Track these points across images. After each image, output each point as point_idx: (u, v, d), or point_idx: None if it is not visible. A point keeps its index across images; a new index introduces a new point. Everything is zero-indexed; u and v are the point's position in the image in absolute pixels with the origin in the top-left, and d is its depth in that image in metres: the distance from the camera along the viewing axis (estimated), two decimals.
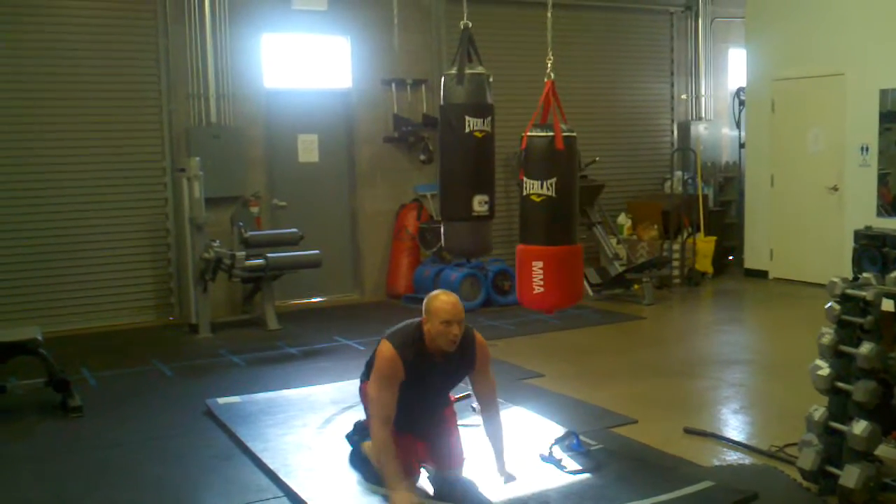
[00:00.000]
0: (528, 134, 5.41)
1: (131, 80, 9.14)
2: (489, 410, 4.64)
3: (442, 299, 4.30)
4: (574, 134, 5.46)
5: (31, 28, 8.68)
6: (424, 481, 4.60)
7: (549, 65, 5.54)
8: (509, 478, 4.58)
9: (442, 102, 6.03)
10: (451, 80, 5.86)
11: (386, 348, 4.31)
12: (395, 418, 4.34)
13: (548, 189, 5.33)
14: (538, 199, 5.38)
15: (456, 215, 6.06)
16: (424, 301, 4.37)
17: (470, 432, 5.31)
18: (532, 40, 10.89)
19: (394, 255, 10.38)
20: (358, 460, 4.83)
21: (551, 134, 5.34)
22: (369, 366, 4.56)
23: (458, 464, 4.63)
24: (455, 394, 5.06)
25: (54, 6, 8.78)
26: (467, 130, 5.81)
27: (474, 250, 6.60)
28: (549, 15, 5.79)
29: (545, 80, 5.50)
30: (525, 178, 5.44)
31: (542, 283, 5.37)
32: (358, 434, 4.95)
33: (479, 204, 5.90)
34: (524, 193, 5.46)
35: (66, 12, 8.85)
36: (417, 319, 4.39)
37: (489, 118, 5.88)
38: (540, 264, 5.38)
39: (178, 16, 9.22)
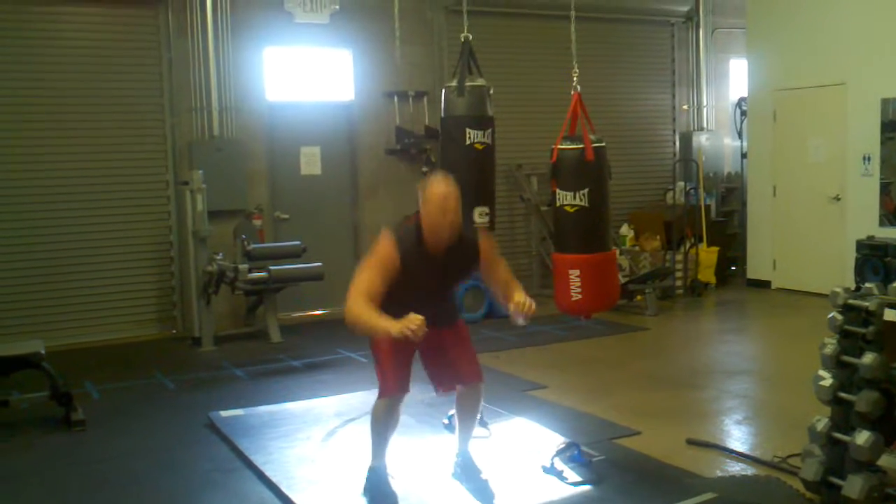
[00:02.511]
0: (559, 146, 5.47)
1: (134, 94, 9.18)
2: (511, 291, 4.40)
3: (436, 187, 4.25)
4: (603, 144, 5.51)
5: (33, 42, 8.73)
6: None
7: (574, 77, 5.58)
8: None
9: (442, 115, 6.05)
10: (452, 93, 5.88)
11: (384, 236, 4.28)
12: (398, 305, 4.14)
13: (580, 199, 5.40)
14: (572, 210, 5.44)
15: None
16: (420, 190, 4.32)
17: (473, 444, 5.31)
18: (533, 52, 10.95)
19: None
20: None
21: (581, 145, 5.39)
22: None
23: (467, 380, 4.58)
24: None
25: (57, 21, 8.84)
26: (468, 143, 5.83)
27: None
28: (572, 29, 5.83)
29: (572, 92, 5.54)
30: (558, 190, 5.50)
31: (579, 290, 5.43)
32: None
33: (479, 216, 5.91)
34: (557, 204, 5.53)
35: (68, 27, 8.90)
36: (415, 214, 4.35)
37: (489, 130, 5.90)
38: (576, 272, 5.45)
39: (181, 29, 9.26)
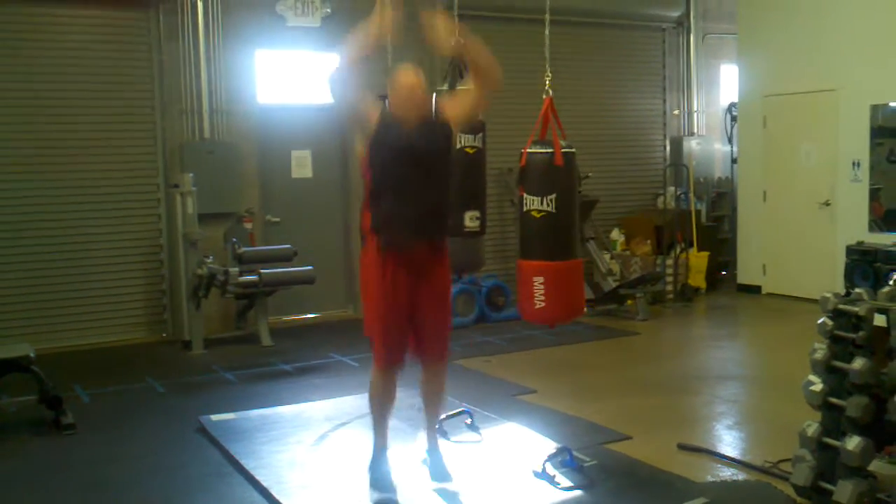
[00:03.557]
0: (528, 150, 5.44)
1: (125, 96, 9.14)
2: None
3: (403, 78, 4.60)
4: (573, 150, 5.50)
5: (25, 45, 8.68)
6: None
7: (547, 81, 5.57)
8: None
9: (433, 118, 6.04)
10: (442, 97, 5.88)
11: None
12: (386, 205, 4.54)
13: (548, 205, 5.36)
14: (538, 215, 5.40)
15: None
16: (388, 80, 4.62)
17: (464, 449, 5.32)
18: (525, 56, 10.93)
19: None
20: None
21: (551, 150, 5.37)
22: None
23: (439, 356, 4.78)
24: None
25: (48, 23, 8.79)
26: (458, 146, 5.82)
27: (466, 266, 6.59)
28: (546, 32, 5.83)
29: (544, 96, 5.53)
30: (525, 195, 5.46)
31: (542, 298, 5.39)
32: None
33: (470, 219, 5.90)
34: (524, 209, 5.48)
35: (60, 29, 8.86)
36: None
37: (480, 134, 5.90)
38: (541, 280, 5.40)
39: (172, 32, 9.23)
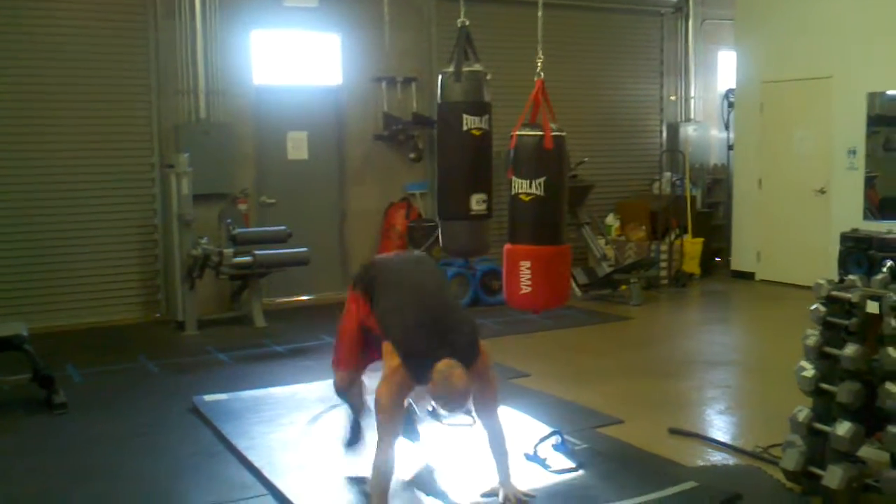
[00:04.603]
0: (517, 133, 5.41)
1: (120, 76, 9.10)
2: (485, 416, 4.39)
3: (455, 396, 3.92)
4: (563, 133, 5.46)
5: (19, 23, 8.63)
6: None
7: (538, 64, 5.54)
8: (513, 493, 4.30)
9: (439, 100, 6.00)
10: (449, 78, 5.83)
11: (398, 368, 3.98)
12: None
13: (536, 188, 5.33)
14: (527, 199, 5.37)
15: (454, 214, 6.03)
16: (439, 375, 3.89)
17: (461, 432, 5.33)
18: (524, 39, 10.84)
19: (382, 253, 10.34)
20: None
21: (540, 133, 5.34)
22: (363, 283, 4.43)
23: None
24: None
25: (43, 1, 8.73)
26: (465, 129, 5.78)
27: (472, 250, 6.55)
28: (539, 14, 5.79)
29: (535, 79, 5.50)
30: (514, 178, 5.43)
31: (529, 283, 5.36)
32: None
33: (476, 203, 5.87)
34: (512, 193, 5.46)
35: (54, 7, 8.81)
36: (429, 358, 3.95)
37: (486, 116, 5.86)
38: (527, 264, 5.37)
39: (169, 11, 9.19)
